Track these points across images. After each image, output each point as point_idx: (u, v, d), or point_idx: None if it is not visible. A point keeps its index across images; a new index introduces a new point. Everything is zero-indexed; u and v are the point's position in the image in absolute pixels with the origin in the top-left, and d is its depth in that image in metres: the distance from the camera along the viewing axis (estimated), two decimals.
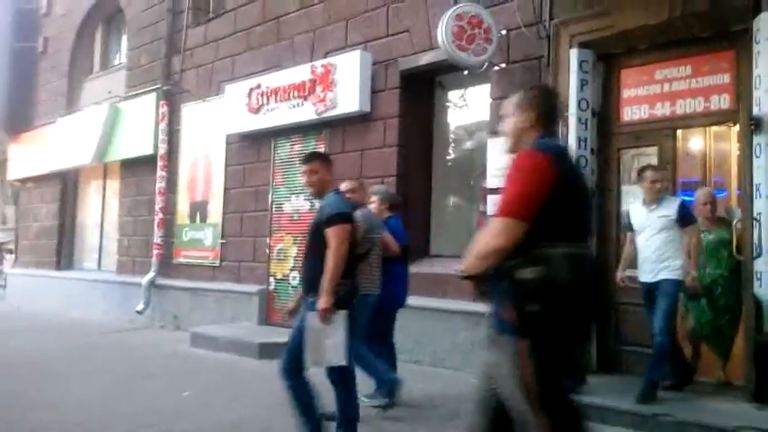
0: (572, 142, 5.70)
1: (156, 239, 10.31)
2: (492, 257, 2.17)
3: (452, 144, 7.92)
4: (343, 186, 4.80)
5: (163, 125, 10.38)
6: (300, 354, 3.59)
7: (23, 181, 14.86)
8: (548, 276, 2.08)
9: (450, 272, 6.67)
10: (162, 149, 10.38)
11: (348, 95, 7.68)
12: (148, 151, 10.57)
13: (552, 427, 2.09)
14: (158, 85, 10.60)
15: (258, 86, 8.81)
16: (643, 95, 5.80)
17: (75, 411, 4.88)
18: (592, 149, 5.86)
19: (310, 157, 3.99)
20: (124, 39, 12.44)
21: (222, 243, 9.43)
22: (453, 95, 7.79)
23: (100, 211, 12.66)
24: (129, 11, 11.82)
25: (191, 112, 10.22)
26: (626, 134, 5.89)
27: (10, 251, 16.82)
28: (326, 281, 3.52)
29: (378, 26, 7.69)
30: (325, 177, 3.90)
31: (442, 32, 6.00)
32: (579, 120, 5.78)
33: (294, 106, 8.31)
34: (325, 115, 7.95)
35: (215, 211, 9.71)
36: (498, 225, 2.17)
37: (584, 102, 5.82)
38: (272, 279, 8.72)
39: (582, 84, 5.81)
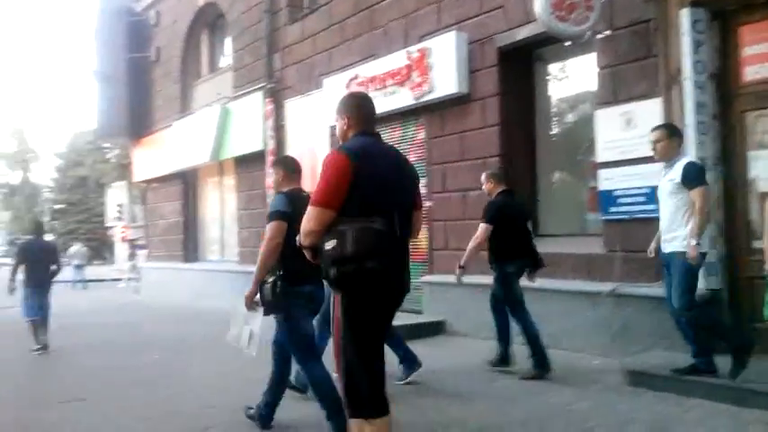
0: (690, 108, 5.36)
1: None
2: (308, 237, 2.74)
3: (556, 119, 7.68)
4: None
5: (269, 122, 10.86)
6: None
7: (148, 182, 16.12)
8: (338, 247, 2.65)
9: (563, 251, 6.54)
10: (270, 145, 10.88)
11: (445, 78, 7.64)
12: (258, 147, 11.12)
13: (346, 357, 2.76)
14: (263, 84, 11.08)
15: (356, 77, 8.97)
16: (766, 53, 5.32)
17: (218, 380, 5.42)
18: (714, 115, 5.48)
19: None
20: (228, 41, 13.09)
21: None
22: (554, 68, 7.53)
23: (219, 205, 13.51)
24: (231, 14, 12.38)
25: (294, 108, 10.61)
26: (749, 95, 5.43)
27: (142, 247, 18.39)
28: (255, 272, 3.84)
29: (470, 5, 7.57)
30: (278, 179, 4.21)
31: (539, 4, 5.81)
32: (696, 84, 5.40)
33: (391, 93, 8.39)
34: (422, 100, 7.98)
35: None
36: (310, 212, 2.73)
37: (700, 65, 5.42)
38: None
39: (696, 45, 5.41)
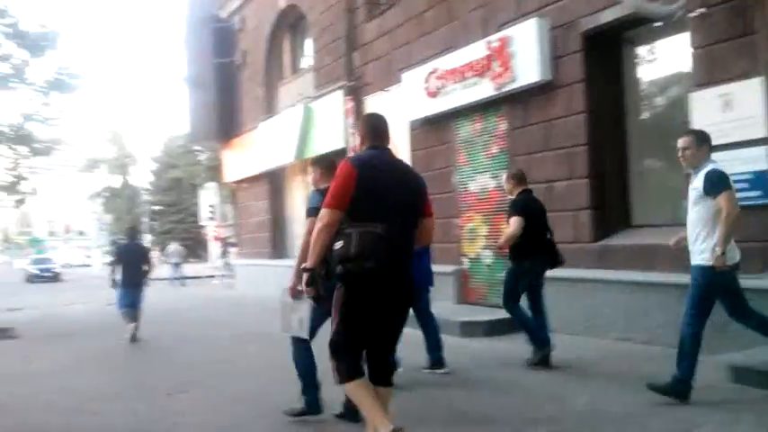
0: None
1: None
2: (320, 235, 3.15)
3: (647, 104, 7.31)
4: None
5: (350, 119, 11.01)
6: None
7: (238, 182, 16.78)
8: (344, 247, 3.08)
9: (659, 242, 6.22)
10: (351, 142, 11.01)
11: (527, 66, 7.46)
12: (340, 145, 11.30)
13: (341, 347, 3.22)
14: (342, 82, 11.24)
15: (435, 70, 8.94)
16: None
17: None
18: None
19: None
20: (309, 42, 13.38)
21: None
22: (643, 51, 7.16)
23: (303, 203, 13.82)
24: (311, 15, 12.65)
25: (374, 104, 10.69)
26: None
27: (233, 244, 19.20)
28: (294, 265, 4.07)
29: None
30: (316, 177, 4.52)
31: None
32: None
33: (471, 85, 8.30)
34: (504, 90, 7.83)
35: None
36: (322, 213, 3.18)
37: None
38: (465, 259, 8.86)
39: None
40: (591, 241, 6.87)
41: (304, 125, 12.41)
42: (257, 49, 14.86)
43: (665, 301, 5.96)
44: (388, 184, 3.25)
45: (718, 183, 3.98)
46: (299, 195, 14.22)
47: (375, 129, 3.53)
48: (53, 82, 10.51)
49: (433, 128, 9.39)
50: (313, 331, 4.18)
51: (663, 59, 6.95)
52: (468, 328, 7.26)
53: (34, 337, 9.70)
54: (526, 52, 7.45)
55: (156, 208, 40.93)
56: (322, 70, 12.20)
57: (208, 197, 34.53)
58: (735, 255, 4.09)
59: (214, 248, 34.18)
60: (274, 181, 14.81)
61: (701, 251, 4.03)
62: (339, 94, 11.35)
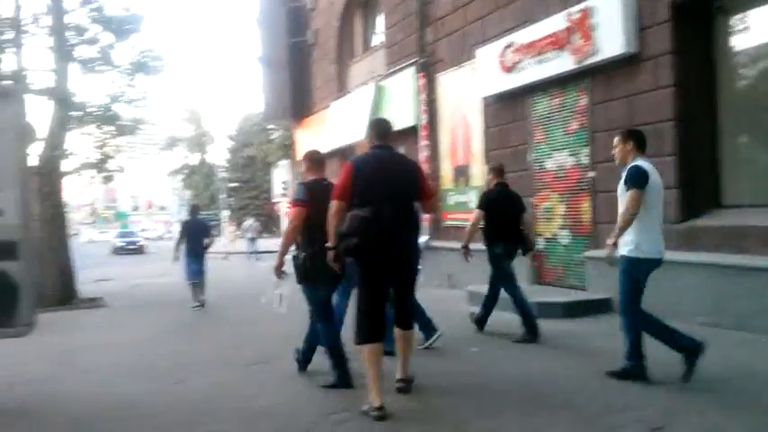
0: None
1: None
2: (330, 221, 4.01)
3: (741, 76, 6.83)
4: None
5: (422, 96, 10.92)
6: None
7: None
8: (342, 228, 3.90)
9: (751, 223, 5.87)
10: (423, 119, 10.95)
11: (611, 38, 7.12)
12: (411, 122, 11.24)
13: (359, 313, 4.04)
14: (415, 59, 11.13)
15: (510, 44, 8.68)
16: None
17: None
18: None
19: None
20: (380, 19, 13.29)
21: None
22: (738, 20, 6.67)
23: None
24: None
25: (446, 81, 10.55)
26: None
27: None
28: (279, 248, 4.73)
29: None
30: (304, 170, 4.93)
31: None
32: None
33: (550, 59, 8.01)
34: (585, 63, 7.51)
35: (477, 174, 9.95)
36: (331, 204, 4.01)
37: None
38: (540, 239, 8.66)
39: None
40: (677, 222, 6.53)
41: (375, 103, 12.41)
42: (329, 27, 14.91)
43: (756, 286, 5.62)
44: (381, 176, 4.02)
45: (629, 180, 4.29)
46: None
47: (379, 131, 4.32)
48: (137, 64, 10.94)
49: (508, 104, 9.16)
50: (339, 311, 5.06)
51: (757, 29, 6.45)
52: (547, 310, 7.08)
53: (121, 306, 10.29)
54: (610, 23, 7.10)
55: (232, 185, 42.30)
56: (394, 47, 12.11)
57: (281, 174, 35.33)
58: (651, 250, 4.31)
59: (286, 224, 34.99)
60: (345, 159, 14.89)
61: (624, 243, 4.34)
62: (411, 71, 11.25)
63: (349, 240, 3.88)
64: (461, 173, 10.36)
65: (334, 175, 14.64)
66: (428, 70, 10.88)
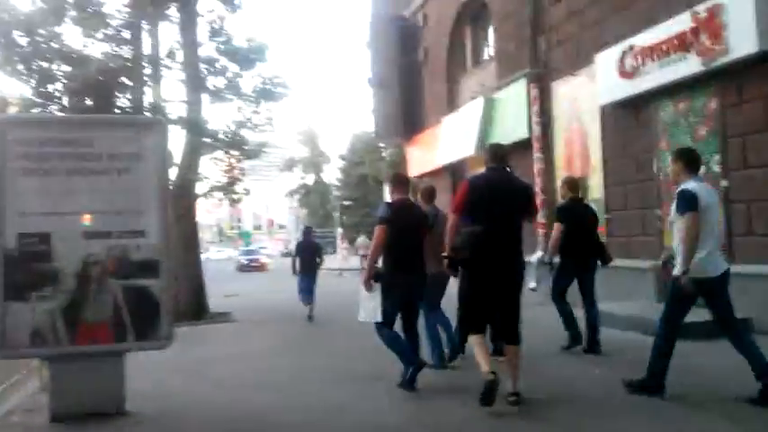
0: None
1: (540, 219, 10.68)
2: (448, 233, 4.55)
3: None
4: None
5: (535, 108, 10.68)
6: None
7: (420, 177, 17.15)
8: (461, 242, 4.39)
9: None
10: (536, 131, 10.70)
11: (743, 36, 6.60)
12: (523, 135, 11.02)
13: (462, 314, 4.72)
14: (527, 70, 10.93)
15: (630, 48, 8.30)
16: None
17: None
18: None
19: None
20: (490, 32, 13.22)
21: (607, 219, 9.19)
22: None
23: None
24: (493, 4, 12.47)
25: (561, 90, 10.26)
26: None
27: None
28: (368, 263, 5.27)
29: None
30: (390, 191, 5.60)
31: None
32: None
33: (674, 62, 7.56)
34: (714, 64, 7.01)
35: (596, 186, 9.54)
36: (450, 217, 4.65)
37: None
38: (667, 252, 8.11)
39: None
40: None
41: (485, 117, 12.30)
42: (439, 44, 15.03)
43: None
44: (494, 196, 4.46)
45: (681, 204, 4.28)
46: None
47: (494, 154, 4.76)
48: (262, 91, 11.63)
49: (628, 111, 8.73)
50: (392, 317, 5.19)
51: None
52: (683, 331, 6.57)
53: (247, 320, 10.85)
54: (741, 21, 6.59)
55: (346, 203, 43.52)
56: (504, 59, 11.98)
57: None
58: (706, 268, 4.29)
59: None
60: (456, 174, 14.87)
61: (676, 264, 4.34)
62: (522, 83, 11.06)
63: (461, 253, 4.42)
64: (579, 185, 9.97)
65: (446, 190, 14.69)
66: (541, 80, 10.64)
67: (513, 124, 11.44)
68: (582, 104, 9.73)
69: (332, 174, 61.71)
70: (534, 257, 10.60)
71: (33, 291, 4.61)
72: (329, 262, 34.33)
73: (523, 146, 11.10)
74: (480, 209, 4.39)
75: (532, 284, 10.50)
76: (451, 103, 14.52)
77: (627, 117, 8.79)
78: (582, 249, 6.28)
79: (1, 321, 4.56)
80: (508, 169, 4.80)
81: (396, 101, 16.62)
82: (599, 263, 6.43)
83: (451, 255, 4.54)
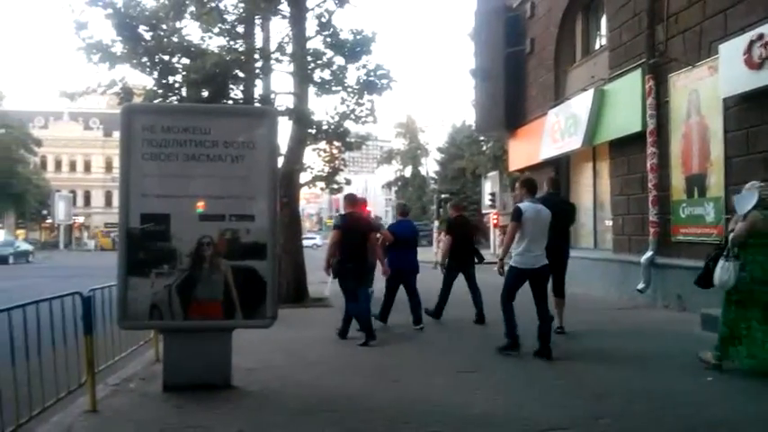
0: None
1: (652, 217, 10.12)
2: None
3: None
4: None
5: (650, 100, 10.10)
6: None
7: (522, 170, 16.73)
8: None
9: None
10: (650, 125, 10.12)
11: None
12: (636, 128, 10.47)
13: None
14: (642, 60, 10.36)
15: (760, 37, 7.63)
16: None
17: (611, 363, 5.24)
18: None
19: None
20: (603, 22, 12.64)
21: (727, 219, 8.53)
22: None
23: (592, 192, 13.20)
24: None
25: (679, 82, 9.62)
26: None
27: None
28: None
29: None
30: (344, 206, 7.99)
31: None
32: None
33: None
34: None
35: (715, 184, 8.89)
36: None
37: None
38: None
39: None
40: None
41: (594, 109, 11.78)
42: (547, 34, 14.56)
43: None
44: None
45: (512, 215, 6.36)
46: (586, 184, 13.59)
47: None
48: (365, 83, 11.78)
49: (757, 104, 8.04)
50: (353, 293, 7.41)
51: None
52: None
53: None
54: None
55: (443, 196, 43.36)
56: (618, 50, 11.39)
57: (489, 186, 35.34)
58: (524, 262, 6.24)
59: (494, 236, 34.93)
60: (560, 169, 14.39)
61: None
62: (637, 74, 10.48)
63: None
64: (695, 182, 9.34)
65: (544, 185, 14.22)
66: (658, 71, 10.03)
67: (625, 117, 10.88)
68: (702, 97, 9.08)
69: (430, 166, 61.71)
70: (644, 258, 10.08)
71: (153, 268, 4.97)
72: (426, 254, 34.50)
73: (636, 140, 10.55)
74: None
75: (641, 285, 10.02)
76: (559, 95, 14.03)
77: (754, 111, 8.10)
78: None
79: (123, 295, 4.95)
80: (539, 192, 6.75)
81: (498, 93, 16.29)
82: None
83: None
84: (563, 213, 7.36)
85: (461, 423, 4.18)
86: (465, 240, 8.84)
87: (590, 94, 11.93)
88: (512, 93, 16.00)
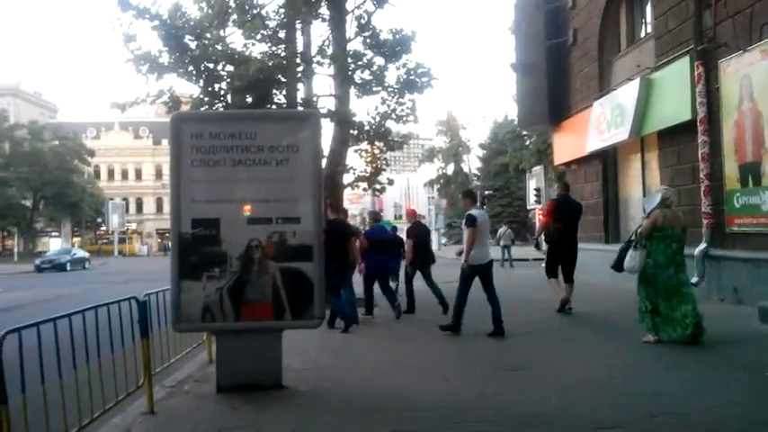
0: None
1: (704, 208, 9.80)
2: (542, 228, 10.14)
3: None
4: None
5: (699, 87, 9.78)
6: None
7: (567, 164, 16.46)
8: (550, 233, 9.23)
9: None
10: (701, 113, 9.80)
11: None
12: (686, 117, 10.16)
13: (547, 263, 9.76)
14: (690, 47, 10.04)
15: None
16: None
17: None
18: None
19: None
20: (648, 9, 12.30)
21: None
22: None
23: (640, 184, 12.88)
24: None
25: (730, 67, 9.28)
26: None
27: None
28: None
29: None
30: (326, 213, 8.13)
31: None
32: None
33: None
34: None
35: None
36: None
37: None
38: None
39: None
40: None
41: (641, 99, 11.49)
42: (590, 25, 14.27)
43: None
44: (562, 209, 8.92)
45: (466, 221, 7.32)
46: (634, 175, 13.25)
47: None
48: (406, 82, 11.79)
49: None
50: (336, 288, 8.11)
51: None
52: None
53: (384, 305, 11.06)
54: None
55: (486, 192, 43.03)
56: (664, 37, 11.07)
57: (534, 181, 34.83)
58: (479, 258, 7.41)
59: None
60: (607, 161, 14.10)
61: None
62: (685, 61, 10.16)
63: (551, 238, 8.97)
64: (750, 171, 8.99)
65: (595, 177, 14.06)
66: (706, 57, 9.70)
67: (674, 105, 10.57)
68: (755, 82, 8.74)
69: (472, 163, 61.25)
70: (698, 250, 9.75)
71: (204, 271, 5.09)
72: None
73: (686, 129, 10.24)
74: (559, 216, 8.85)
75: (694, 278, 9.69)
76: (603, 86, 13.74)
77: None
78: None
79: (177, 298, 5.09)
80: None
81: (541, 86, 16.04)
82: None
83: (547, 237, 9.28)
84: (575, 212, 9.29)
85: (515, 422, 4.14)
86: (425, 244, 10.25)
87: (636, 83, 11.64)
88: (554, 85, 15.73)
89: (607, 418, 4.10)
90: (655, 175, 12.01)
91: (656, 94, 11.20)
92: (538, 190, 33.17)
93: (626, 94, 12.06)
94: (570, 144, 15.58)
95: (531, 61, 16.19)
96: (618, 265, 6.70)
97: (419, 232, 10.14)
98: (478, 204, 8.11)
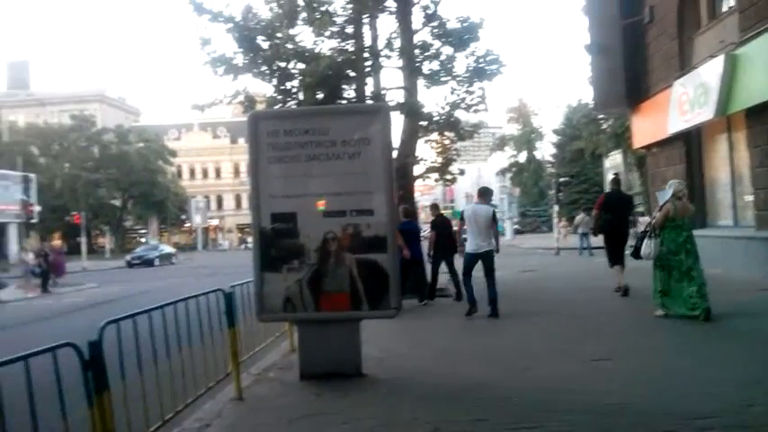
0: None
1: None
2: (596, 217, 10.26)
3: None
4: None
5: None
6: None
7: (647, 147, 15.81)
8: (601, 222, 10.00)
9: None
10: None
11: None
12: None
13: (607, 250, 10.33)
14: None
15: None
16: None
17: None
18: None
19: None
20: None
21: None
22: None
23: (728, 165, 12.22)
24: None
25: None
26: None
27: (641, 214, 18.13)
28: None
29: None
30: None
31: None
32: None
33: None
34: None
35: None
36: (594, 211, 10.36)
37: None
38: None
39: None
40: None
41: (726, 76, 10.87)
42: (668, 1, 13.61)
43: None
44: (612, 201, 9.75)
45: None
46: (721, 157, 12.57)
47: (608, 201, 9.79)
48: (475, 71, 11.68)
49: None
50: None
51: None
52: None
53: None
54: None
55: (562, 179, 41.88)
56: (749, 10, 10.43)
57: (612, 166, 33.61)
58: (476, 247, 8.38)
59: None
60: (690, 142, 13.43)
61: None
62: None
63: (602, 225, 9.73)
64: None
65: (677, 160, 13.56)
66: None
67: (763, 81, 9.95)
68: None
69: (546, 150, 59.75)
70: None
71: (284, 263, 5.29)
72: (544, 241, 33.51)
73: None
74: (608, 207, 9.60)
75: None
76: (684, 64, 13.09)
77: None
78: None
79: (260, 289, 5.32)
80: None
81: (617, 67, 15.44)
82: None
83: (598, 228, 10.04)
84: (624, 203, 10.10)
85: (601, 412, 4.06)
86: (448, 236, 10.67)
87: (720, 60, 11.02)
88: (631, 66, 15.13)
89: (699, 408, 3.95)
90: (743, 156, 11.36)
91: (742, 70, 10.57)
92: (616, 174, 32.07)
93: (709, 72, 11.45)
94: (650, 126, 14.95)
95: (606, 42, 15.60)
96: (636, 253, 7.49)
97: (442, 225, 10.92)
98: (491, 200, 9.00)
